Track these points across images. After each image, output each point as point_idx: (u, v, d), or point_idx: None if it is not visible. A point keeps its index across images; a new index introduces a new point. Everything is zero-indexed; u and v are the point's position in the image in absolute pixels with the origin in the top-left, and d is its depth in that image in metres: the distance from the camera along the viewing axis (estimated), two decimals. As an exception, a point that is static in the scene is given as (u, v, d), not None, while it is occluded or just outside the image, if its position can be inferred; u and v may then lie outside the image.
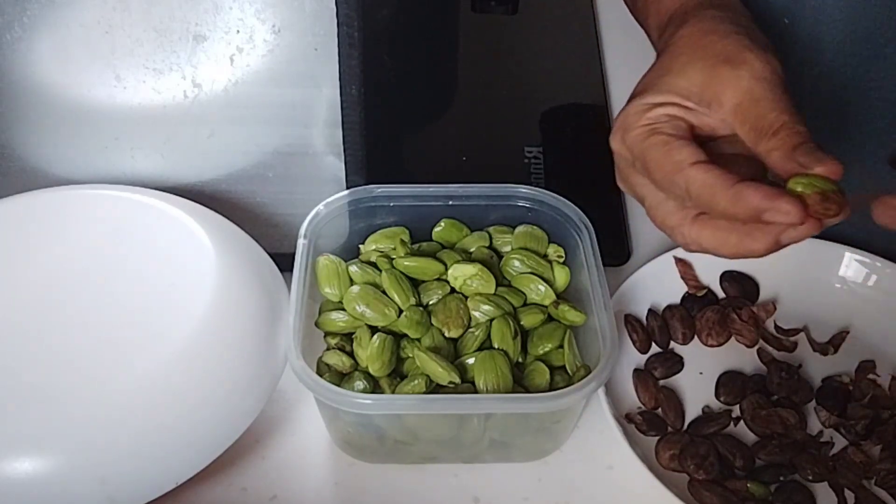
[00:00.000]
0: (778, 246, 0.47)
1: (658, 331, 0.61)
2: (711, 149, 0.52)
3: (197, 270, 0.52)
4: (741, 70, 0.49)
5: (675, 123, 0.50)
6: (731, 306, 0.62)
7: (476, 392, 0.52)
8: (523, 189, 0.60)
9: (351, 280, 0.57)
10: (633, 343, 0.61)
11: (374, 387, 0.53)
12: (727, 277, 0.64)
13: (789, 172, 0.46)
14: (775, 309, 0.63)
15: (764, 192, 0.45)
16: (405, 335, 0.55)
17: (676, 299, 0.63)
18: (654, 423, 0.56)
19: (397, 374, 0.54)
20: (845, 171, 0.46)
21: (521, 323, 0.56)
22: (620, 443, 0.53)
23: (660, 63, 0.53)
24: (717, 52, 0.50)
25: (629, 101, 0.52)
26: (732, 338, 0.62)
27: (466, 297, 0.56)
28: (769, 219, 0.45)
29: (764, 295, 0.64)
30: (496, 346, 0.54)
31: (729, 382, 0.59)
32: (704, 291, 0.63)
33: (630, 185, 0.53)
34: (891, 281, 0.63)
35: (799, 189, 0.45)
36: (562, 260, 0.59)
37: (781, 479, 0.54)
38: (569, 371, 0.54)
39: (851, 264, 0.64)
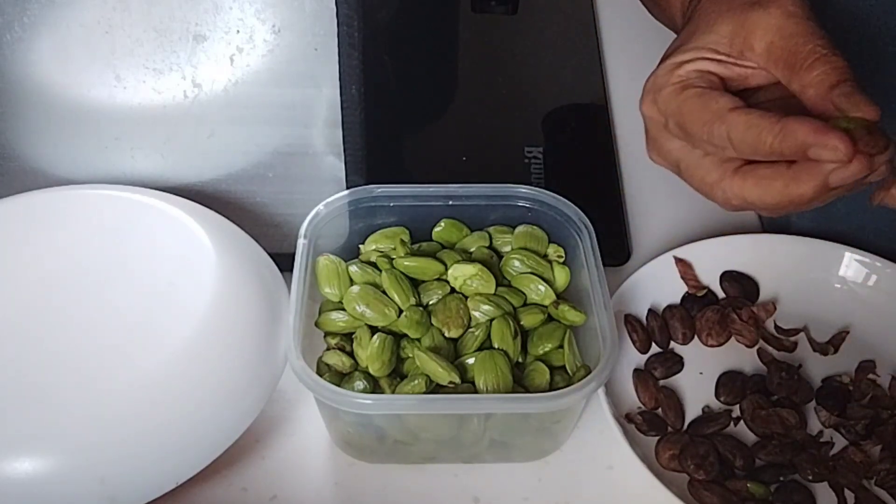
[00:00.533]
0: (826, 189, 0.44)
1: (658, 331, 0.61)
2: None
3: (197, 270, 0.52)
4: (770, 9, 0.47)
5: (706, 78, 0.49)
6: (731, 306, 0.62)
7: (476, 392, 0.52)
8: (523, 189, 0.60)
9: (351, 280, 0.57)
10: (633, 343, 0.61)
11: (374, 387, 0.53)
12: (727, 277, 0.64)
13: (825, 114, 0.45)
14: (775, 309, 0.63)
15: (811, 125, 0.43)
16: (405, 335, 0.55)
17: (676, 299, 0.63)
18: (654, 423, 0.56)
19: (397, 374, 0.54)
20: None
21: (521, 323, 0.56)
22: (620, 443, 0.53)
23: (687, 26, 0.52)
24: (743, 1, 0.49)
25: (659, 64, 0.51)
26: (732, 338, 0.62)
27: (466, 297, 0.56)
28: (815, 155, 0.43)
29: (764, 295, 0.64)
30: (496, 346, 0.54)
31: (729, 382, 0.59)
32: (704, 291, 0.63)
33: (663, 153, 0.51)
34: (891, 281, 0.63)
35: (843, 125, 0.43)
36: (562, 260, 0.59)
37: (781, 479, 0.54)
38: (569, 371, 0.54)
39: (851, 264, 0.64)
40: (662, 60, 0.51)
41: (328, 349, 0.55)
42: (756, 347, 0.61)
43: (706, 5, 0.52)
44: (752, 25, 0.48)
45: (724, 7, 0.50)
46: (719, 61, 0.49)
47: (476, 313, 0.56)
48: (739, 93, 0.50)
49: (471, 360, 0.53)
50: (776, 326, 0.63)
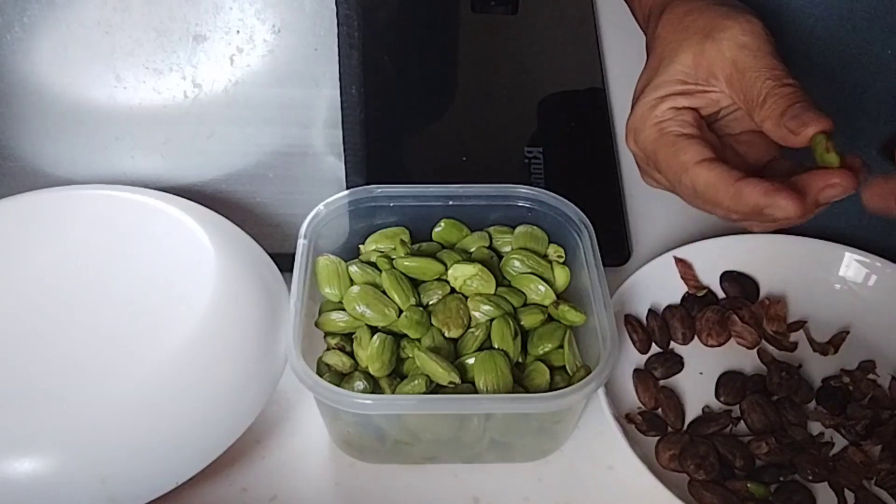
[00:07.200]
0: (817, 205, 0.47)
1: (658, 331, 0.61)
2: (721, 128, 0.53)
3: (197, 270, 0.52)
4: (722, 42, 0.50)
5: (680, 119, 0.51)
6: (731, 307, 0.62)
7: (476, 392, 0.52)
8: (523, 189, 0.60)
9: (351, 280, 0.57)
10: (633, 343, 0.61)
11: (374, 387, 0.53)
12: (727, 277, 0.64)
13: (782, 139, 0.48)
14: (784, 308, 0.63)
15: (762, 188, 0.46)
16: (405, 335, 0.55)
17: (676, 299, 0.63)
18: (654, 423, 0.56)
19: (397, 374, 0.54)
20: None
21: (521, 323, 0.56)
22: (620, 443, 0.53)
23: (652, 57, 0.54)
24: (698, 29, 0.51)
25: (636, 101, 0.53)
26: (732, 338, 0.62)
27: (466, 298, 0.56)
28: (769, 214, 0.46)
29: (764, 295, 0.64)
30: (496, 346, 0.54)
31: (729, 382, 0.59)
32: (704, 291, 0.63)
33: (655, 180, 0.54)
34: (891, 281, 0.63)
35: (819, 159, 0.46)
36: (562, 260, 0.59)
37: (781, 479, 0.54)
38: (569, 371, 0.54)
39: (851, 264, 0.64)
40: (638, 96, 0.53)
41: (328, 349, 0.55)
42: (756, 348, 0.61)
43: (665, 32, 0.53)
44: (710, 57, 0.50)
45: (682, 36, 0.52)
46: (689, 94, 0.51)
47: (476, 313, 0.56)
48: (715, 114, 0.53)
49: (471, 360, 0.53)
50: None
